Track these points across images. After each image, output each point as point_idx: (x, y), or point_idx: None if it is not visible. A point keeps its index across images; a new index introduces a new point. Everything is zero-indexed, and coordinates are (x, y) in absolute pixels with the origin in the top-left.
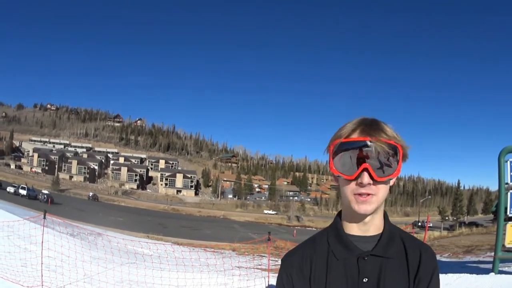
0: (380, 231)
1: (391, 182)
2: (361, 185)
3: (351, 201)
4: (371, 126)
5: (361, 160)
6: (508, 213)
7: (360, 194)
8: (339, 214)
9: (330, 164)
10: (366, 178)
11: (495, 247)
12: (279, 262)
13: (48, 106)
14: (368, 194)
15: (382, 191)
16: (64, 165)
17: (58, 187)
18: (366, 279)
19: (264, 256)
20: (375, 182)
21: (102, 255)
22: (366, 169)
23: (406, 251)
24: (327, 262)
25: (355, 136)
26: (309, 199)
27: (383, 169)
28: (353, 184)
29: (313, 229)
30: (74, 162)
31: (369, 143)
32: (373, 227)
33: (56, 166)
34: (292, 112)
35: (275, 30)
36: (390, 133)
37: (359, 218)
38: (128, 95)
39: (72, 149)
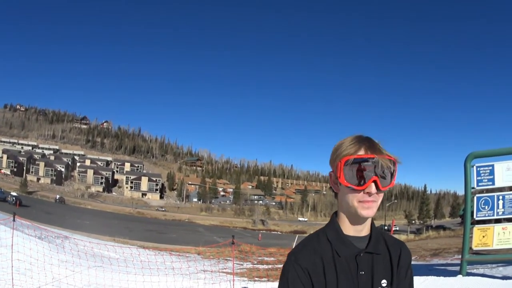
0: (369, 232)
1: None
2: (369, 194)
3: (357, 207)
4: (373, 144)
5: (371, 174)
6: (474, 216)
7: (365, 201)
8: (334, 216)
9: (340, 177)
10: (374, 188)
11: (462, 249)
12: (244, 265)
13: (18, 106)
14: (373, 201)
15: (381, 198)
16: (32, 167)
17: (26, 189)
18: (363, 272)
19: (229, 259)
20: (379, 191)
21: (69, 258)
22: (374, 181)
23: (388, 248)
24: (333, 259)
25: (362, 153)
26: (274, 203)
27: (387, 180)
28: (359, 193)
29: (278, 233)
30: (42, 164)
31: (376, 159)
32: (365, 229)
33: (24, 167)
34: (257, 116)
35: (240, 33)
36: (385, 150)
37: (360, 221)
38: (95, 96)
39: (40, 150)
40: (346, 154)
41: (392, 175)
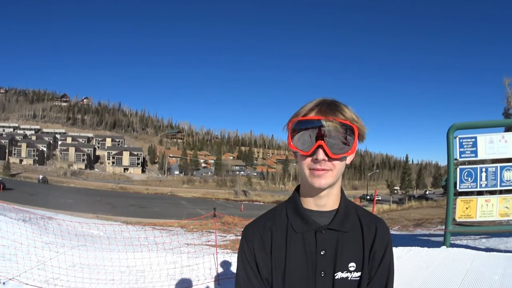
0: (336, 206)
1: (348, 160)
2: (316, 161)
3: (308, 176)
4: (328, 107)
5: (317, 137)
6: (457, 188)
7: (315, 169)
8: (297, 188)
9: (288, 140)
10: (321, 154)
11: (446, 221)
12: (227, 237)
13: None
14: (323, 169)
15: (337, 167)
16: (14, 149)
17: (9, 172)
18: (324, 252)
19: (212, 232)
20: (330, 158)
21: (53, 240)
22: (321, 146)
23: (361, 225)
24: (286, 235)
25: (312, 115)
26: (255, 174)
27: (339, 147)
28: (309, 159)
29: (261, 203)
30: (24, 145)
31: (324, 122)
32: (329, 202)
33: (7, 150)
34: (237, 87)
35: (220, 3)
36: (348, 114)
37: (315, 192)
38: (75, 73)
39: (21, 131)
40: (297, 116)
41: (346, 143)
